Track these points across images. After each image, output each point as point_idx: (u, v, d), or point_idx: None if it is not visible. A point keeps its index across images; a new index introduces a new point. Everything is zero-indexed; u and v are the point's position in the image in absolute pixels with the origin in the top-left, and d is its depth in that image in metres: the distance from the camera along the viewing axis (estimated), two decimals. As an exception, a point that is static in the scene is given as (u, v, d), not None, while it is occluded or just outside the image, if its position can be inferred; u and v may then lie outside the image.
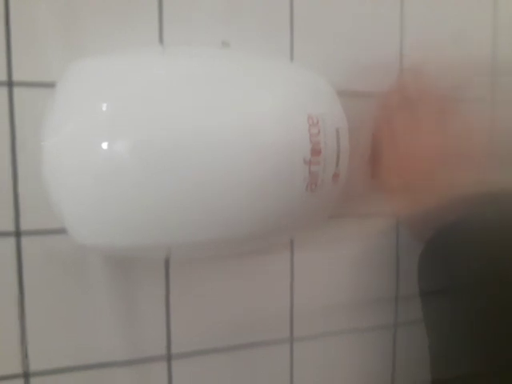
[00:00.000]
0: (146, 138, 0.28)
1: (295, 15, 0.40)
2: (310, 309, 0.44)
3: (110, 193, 0.29)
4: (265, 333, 0.43)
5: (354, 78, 0.42)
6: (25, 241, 0.36)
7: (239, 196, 0.29)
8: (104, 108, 0.28)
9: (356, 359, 0.47)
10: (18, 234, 0.35)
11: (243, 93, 0.29)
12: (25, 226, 0.36)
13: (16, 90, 0.34)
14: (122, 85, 0.29)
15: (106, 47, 0.35)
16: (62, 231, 0.33)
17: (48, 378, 0.37)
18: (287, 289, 0.44)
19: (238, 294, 0.42)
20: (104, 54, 0.30)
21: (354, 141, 0.34)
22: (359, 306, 0.46)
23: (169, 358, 0.41)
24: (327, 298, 0.45)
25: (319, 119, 0.30)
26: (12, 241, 0.35)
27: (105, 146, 0.28)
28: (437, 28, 0.46)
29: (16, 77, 0.34)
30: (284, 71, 0.32)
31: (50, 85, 0.32)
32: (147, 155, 0.28)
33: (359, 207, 0.44)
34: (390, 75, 0.44)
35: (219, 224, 0.30)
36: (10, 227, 0.35)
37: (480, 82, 0.49)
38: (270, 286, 0.43)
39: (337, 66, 0.42)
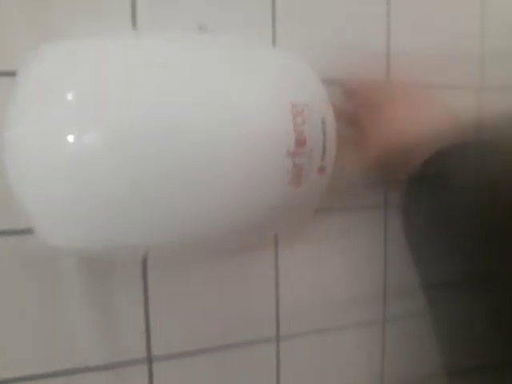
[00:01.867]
0: (118, 128, 0.26)
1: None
2: (296, 306, 0.43)
3: (79, 189, 0.27)
4: (249, 332, 0.42)
5: (338, 65, 0.41)
6: (-10, 242, 0.33)
7: (218, 190, 0.27)
8: (70, 97, 0.26)
9: (344, 356, 0.46)
10: (-18, 234, 0.33)
11: (222, 80, 0.27)
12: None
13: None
14: (90, 71, 0.27)
15: (74, 32, 0.32)
16: (30, 231, 0.31)
17: (22, 386, 0.36)
18: (272, 286, 0.42)
19: (220, 292, 0.40)
20: (70, 39, 0.28)
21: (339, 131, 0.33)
22: (346, 302, 0.45)
23: (149, 360, 0.39)
24: (313, 295, 0.44)
25: (304, 108, 0.28)
26: (-24, 242, 0.33)
27: (71, 138, 0.26)
28: (424, 14, 0.45)
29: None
30: (266, 57, 0.30)
31: (13, 73, 0.29)
32: (119, 147, 0.26)
33: (345, 200, 0.43)
34: (376, 62, 0.43)
35: (198, 220, 0.28)
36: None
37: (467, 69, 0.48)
38: (254, 283, 0.42)
39: (320, 53, 0.40)
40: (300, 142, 0.28)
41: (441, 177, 0.31)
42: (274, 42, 0.38)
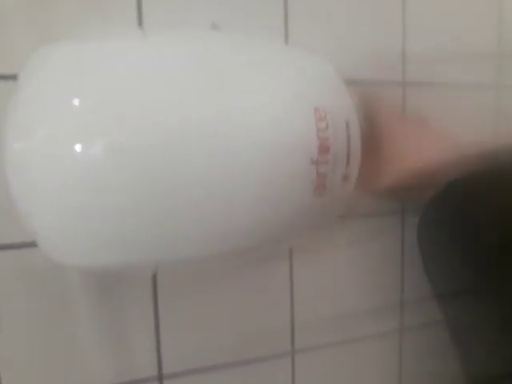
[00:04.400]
0: (128, 137, 0.24)
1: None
2: (311, 319, 0.41)
3: (87, 203, 0.25)
4: (263, 347, 0.40)
5: (353, 64, 0.39)
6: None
7: (237, 203, 0.25)
8: (76, 103, 0.24)
9: (361, 368, 0.44)
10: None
11: (240, 84, 0.25)
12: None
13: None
14: (98, 75, 0.25)
15: (77, 32, 0.30)
16: (34, 245, 0.29)
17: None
18: (287, 298, 0.41)
19: (232, 307, 0.39)
20: (75, 40, 0.26)
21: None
22: (362, 312, 0.43)
23: (160, 378, 0.37)
24: (329, 305, 0.42)
25: (327, 112, 0.26)
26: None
27: (78, 148, 0.23)
28: (440, 14, 0.43)
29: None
30: (287, 58, 0.28)
31: (13, 77, 0.27)
32: (129, 158, 0.24)
33: (362, 207, 0.41)
34: (391, 62, 0.41)
35: (215, 236, 0.27)
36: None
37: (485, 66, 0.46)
38: (268, 296, 0.40)
39: (334, 52, 0.38)
40: (324, 149, 0.26)
41: (457, 203, 0.31)
42: (286, 42, 0.37)
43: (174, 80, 0.25)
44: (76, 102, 0.24)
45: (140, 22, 0.32)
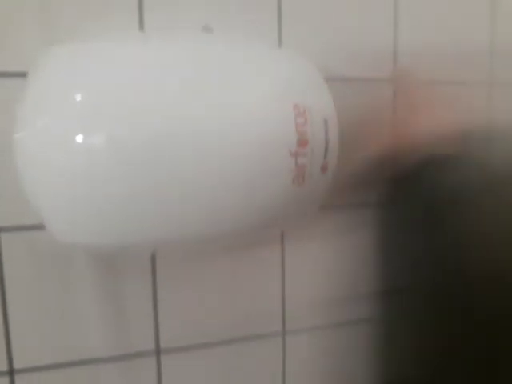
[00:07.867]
0: (124, 129, 0.27)
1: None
2: (302, 302, 0.43)
3: (87, 188, 0.27)
4: (256, 326, 0.43)
5: (345, 63, 0.41)
6: (4, 237, 0.35)
7: (223, 190, 0.28)
8: (78, 98, 0.27)
9: (350, 352, 0.46)
10: (-4, 230, 0.34)
11: (225, 82, 0.28)
12: (3, 221, 0.34)
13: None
14: (99, 73, 0.28)
15: (83, 33, 0.33)
16: (43, 226, 0.32)
17: (33, 375, 0.37)
18: (278, 281, 0.43)
19: (227, 287, 0.41)
20: (79, 41, 0.29)
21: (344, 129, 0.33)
22: (348, 298, 0.45)
23: (158, 352, 0.40)
24: (320, 291, 0.44)
25: (306, 108, 0.28)
26: (-9, 237, 0.34)
27: (79, 138, 0.26)
28: (431, 12, 0.44)
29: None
30: (269, 57, 0.31)
31: (24, 74, 0.30)
32: (126, 148, 0.27)
33: (351, 197, 0.43)
34: (383, 61, 0.43)
35: (204, 220, 0.29)
36: (-12, 224, 0.34)
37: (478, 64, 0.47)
38: (261, 278, 0.42)
39: (328, 52, 0.40)
40: (302, 142, 0.28)
41: (425, 183, 0.28)
42: (279, 41, 0.38)
43: (167, 79, 0.28)
44: (78, 96, 0.27)
45: (141, 24, 0.35)
